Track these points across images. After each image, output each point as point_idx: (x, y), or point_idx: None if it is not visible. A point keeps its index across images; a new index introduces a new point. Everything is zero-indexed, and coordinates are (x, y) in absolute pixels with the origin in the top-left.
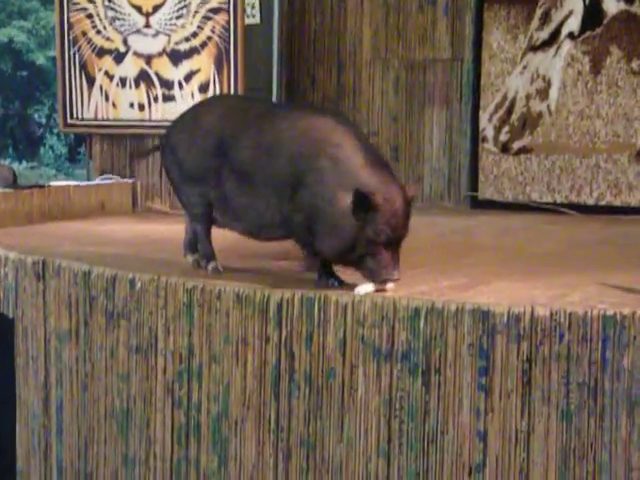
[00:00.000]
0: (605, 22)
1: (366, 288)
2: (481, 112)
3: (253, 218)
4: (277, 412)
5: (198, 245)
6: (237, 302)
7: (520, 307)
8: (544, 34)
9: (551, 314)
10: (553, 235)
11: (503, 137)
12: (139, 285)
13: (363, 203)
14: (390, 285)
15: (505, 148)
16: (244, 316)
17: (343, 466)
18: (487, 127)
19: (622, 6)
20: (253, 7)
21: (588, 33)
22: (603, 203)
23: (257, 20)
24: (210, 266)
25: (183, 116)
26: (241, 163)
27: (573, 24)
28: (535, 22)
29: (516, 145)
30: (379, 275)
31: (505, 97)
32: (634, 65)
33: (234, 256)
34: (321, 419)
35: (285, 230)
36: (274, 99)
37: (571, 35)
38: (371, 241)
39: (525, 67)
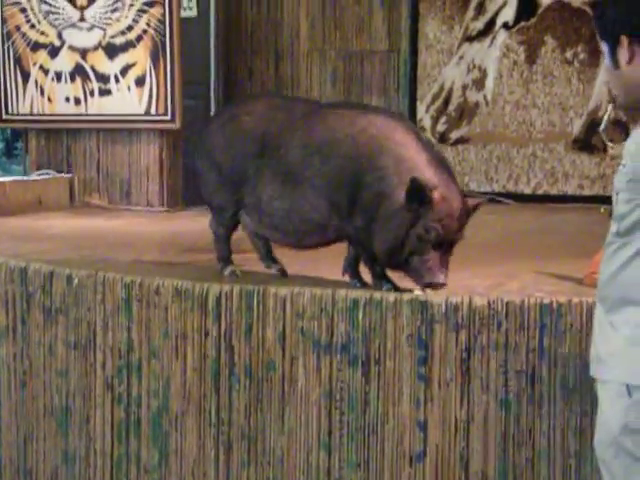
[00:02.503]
0: (539, 12)
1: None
2: (418, 103)
3: (295, 224)
4: (217, 405)
5: (215, 247)
6: (176, 296)
7: (458, 297)
8: (479, 24)
9: (489, 303)
10: (491, 224)
11: (440, 127)
12: (76, 281)
13: (418, 193)
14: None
15: (443, 138)
16: (183, 310)
17: (284, 458)
18: (424, 117)
19: None
20: (190, 0)
21: (523, 23)
22: (540, 192)
23: (194, 13)
24: (227, 270)
25: (219, 117)
26: (287, 164)
27: (508, 14)
28: (470, 12)
29: (454, 135)
30: (422, 277)
31: (442, 88)
32: (568, 55)
33: (172, 250)
34: (262, 412)
35: (333, 235)
36: (212, 91)
37: (506, 25)
38: (420, 238)
39: (461, 57)
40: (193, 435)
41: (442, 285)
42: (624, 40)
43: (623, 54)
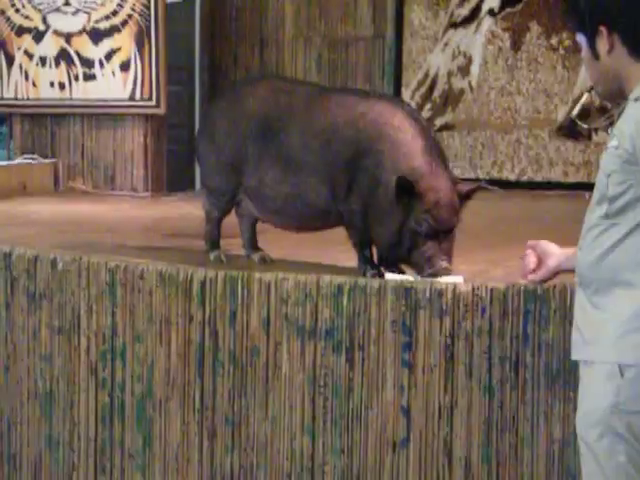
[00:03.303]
0: None
1: (393, 276)
2: (403, 89)
3: (299, 208)
4: (201, 391)
5: (205, 229)
6: (160, 281)
7: (442, 283)
8: (464, 11)
9: (473, 289)
10: (475, 211)
11: (426, 114)
12: (61, 265)
13: (405, 190)
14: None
15: None
16: (167, 295)
17: (268, 444)
18: (409, 104)
19: None
20: None
21: (508, 10)
22: (524, 179)
23: None
24: (213, 254)
25: (221, 99)
26: (288, 149)
27: (493, 1)
28: None
29: (438, 122)
30: (423, 269)
31: (427, 74)
32: (553, 41)
33: (156, 235)
34: (246, 397)
35: (335, 220)
36: (197, 77)
37: (491, 12)
38: (414, 231)
39: (446, 44)
40: (177, 420)
41: (445, 270)
42: (603, 31)
43: (603, 45)
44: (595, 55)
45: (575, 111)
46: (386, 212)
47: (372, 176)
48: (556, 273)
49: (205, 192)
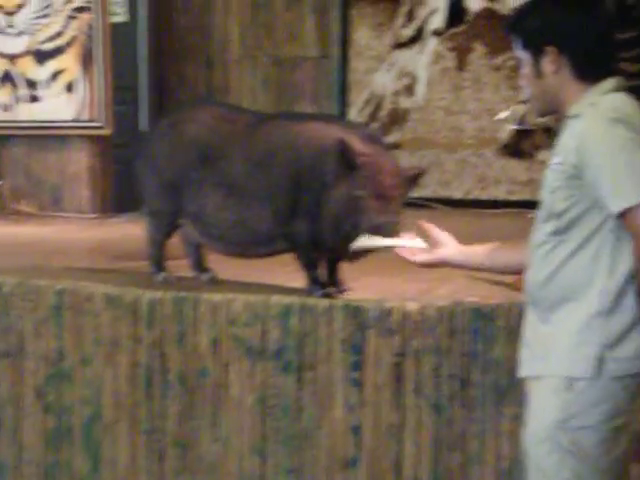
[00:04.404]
0: (469, 19)
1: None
2: (350, 109)
3: (243, 235)
4: (150, 413)
5: (149, 252)
6: (107, 303)
7: (391, 302)
8: (409, 31)
9: (421, 308)
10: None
11: None
12: (6, 289)
13: (345, 155)
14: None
15: None
16: (115, 317)
17: (218, 465)
18: (349, 119)
19: (484, 4)
20: (119, 5)
21: (453, 30)
22: (470, 197)
23: (124, 18)
24: (160, 277)
25: (162, 123)
26: (229, 177)
27: (437, 21)
28: (400, 19)
29: (385, 141)
30: (369, 219)
31: (373, 94)
32: (498, 61)
33: (104, 257)
34: (195, 419)
35: (280, 246)
36: (142, 98)
37: (436, 32)
38: (359, 197)
39: (392, 64)
40: (125, 443)
41: (392, 223)
42: (551, 51)
43: (549, 64)
44: (539, 73)
45: (503, 115)
46: (331, 197)
47: (316, 193)
48: (444, 264)
49: (147, 215)
